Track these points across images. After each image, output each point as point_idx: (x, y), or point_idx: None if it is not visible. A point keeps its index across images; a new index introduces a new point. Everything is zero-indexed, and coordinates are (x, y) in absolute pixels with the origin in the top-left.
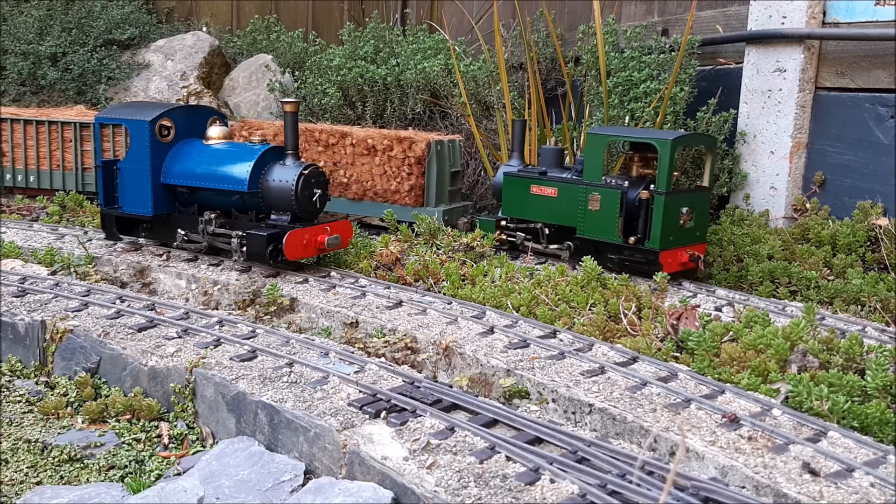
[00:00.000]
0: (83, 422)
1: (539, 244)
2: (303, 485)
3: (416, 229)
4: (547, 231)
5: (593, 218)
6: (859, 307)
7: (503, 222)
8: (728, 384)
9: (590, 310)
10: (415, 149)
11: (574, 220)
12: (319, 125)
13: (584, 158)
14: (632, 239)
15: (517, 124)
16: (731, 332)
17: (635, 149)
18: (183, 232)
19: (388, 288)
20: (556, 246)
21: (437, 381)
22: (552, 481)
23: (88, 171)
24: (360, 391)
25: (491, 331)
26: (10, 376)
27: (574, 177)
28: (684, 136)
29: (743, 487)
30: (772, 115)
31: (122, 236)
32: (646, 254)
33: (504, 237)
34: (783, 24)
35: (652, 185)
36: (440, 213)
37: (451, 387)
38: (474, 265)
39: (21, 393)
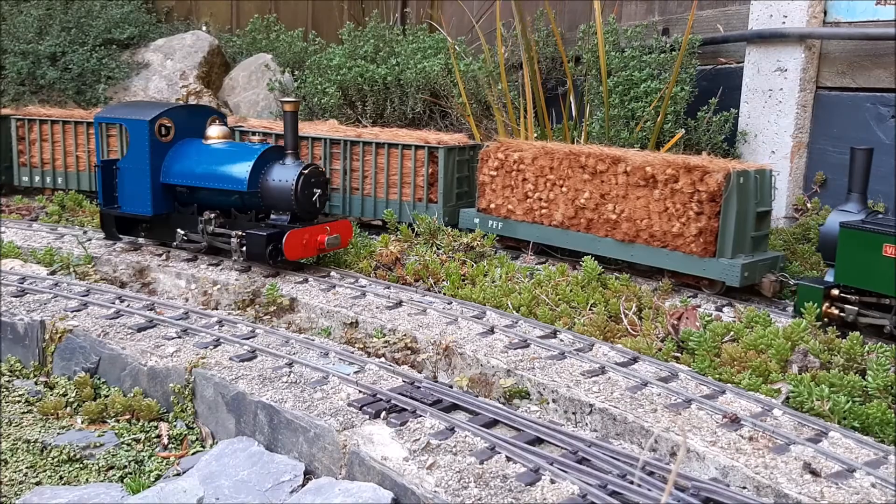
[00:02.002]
0: (82, 422)
1: (888, 322)
2: (302, 485)
3: (415, 229)
4: None
5: None
6: None
7: (834, 291)
8: (729, 384)
9: (590, 310)
10: (708, 181)
11: None
12: (586, 147)
13: None
14: None
15: (858, 154)
16: (731, 332)
17: None
18: (182, 232)
19: (388, 288)
20: None
21: (437, 382)
22: (552, 482)
23: None
24: (360, 391)
25: (491, 331)
26: (10, 376)
27: None
28: None
29: (744, 488)
30: (772, 114)
31: (121, 236)
32: None
33: (835, 311)
34: (784, 23)
35: None
36: (739, 268)
37: (451, 387)
38: (474, 265)
39: (20, 393)
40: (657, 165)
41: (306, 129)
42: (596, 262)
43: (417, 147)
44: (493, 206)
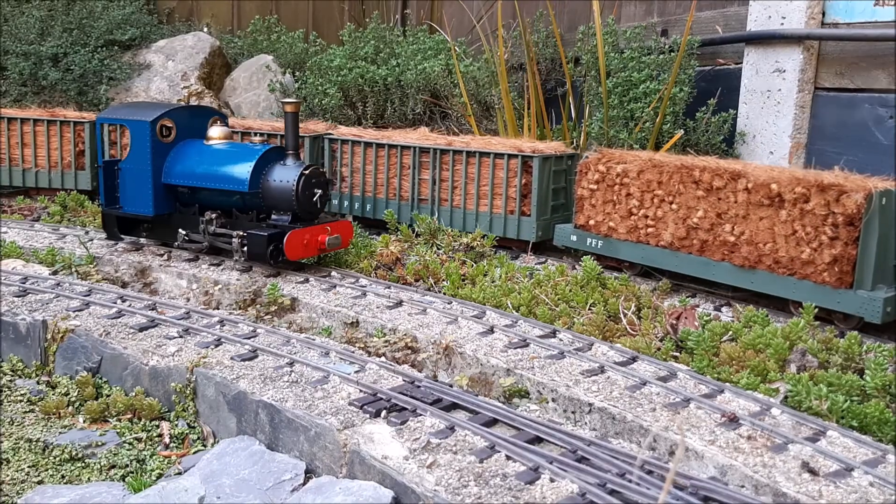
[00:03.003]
0: (84, 421)
1: None
2: (303, 484)
3: (415, 229)
4: None
5: None
6: None
7: None
8: (727, 384)
9: (589, 309)
10: (845, 202)
11: None
12: (700, 161)
13: None
14: None
15: None
16: (730, 332)
17: None
18: (184, 232)
19: (389, 288)
20: None
21: (437, 381)
22: (552, 480)
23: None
24: (361, 390)
25: (491, 330)
26: (12, 376)
27: None
28: None
29: (742, 487)
30: (771, 115)
31: (123, 236)
32: None
33: None
34: (782, 24)
35: None
36: (880, 302)
37: (451, 386)
38: (474, 265)
39: (22, 392)
40: (784, 183)
41: (395, 137)
42: (710, 289)
43: (510, 156)
44: (592, 222)
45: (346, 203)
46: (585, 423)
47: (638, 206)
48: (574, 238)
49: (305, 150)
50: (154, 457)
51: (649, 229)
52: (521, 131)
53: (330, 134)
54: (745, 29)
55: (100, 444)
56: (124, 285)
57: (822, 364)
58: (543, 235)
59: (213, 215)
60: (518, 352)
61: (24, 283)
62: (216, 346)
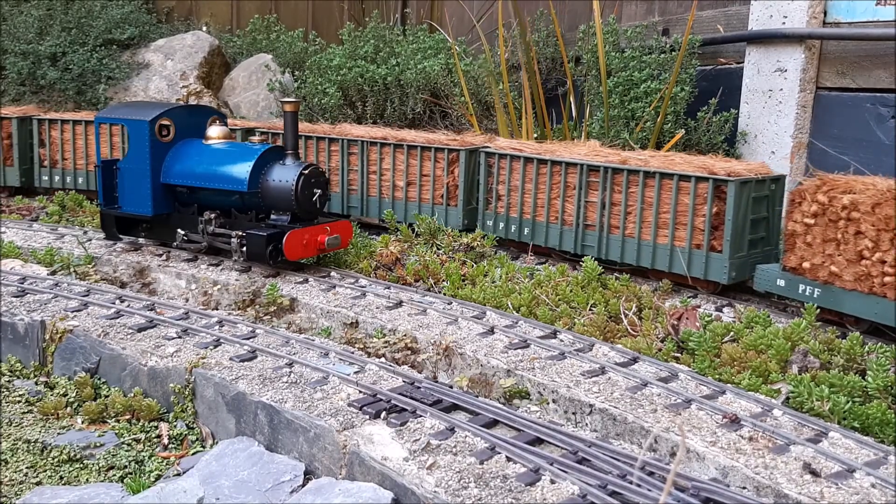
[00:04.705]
0: (83, 422)
1: None
2: (303, 485)
3: (415, 229)
4: None
5: None
6: None
7: None
8: (729, 385)
9: (590, 310)
10: None
11: None
12: None
13: None
14: None
15: None
16: (731, 333)
17: None
18: (183, 232)
19: (388, 288)
20: None
21: (437, 382)
22: (552, 482)
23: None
24: (360, 391)
25: (491, 331)
26: (10, 376)
27: None
28: None
29: (744, 488)
30: (773, 114)
31: (121, 236)
32: None
33: None
34: (784, 23)
35: None
36: None
37: (451, 387)
38: (474, 265)
39: (21, 393)
40: None
41: (560, 152)
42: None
43: (699, 179)
44: (807, 265)
45: (500, 225)
46: (586, 425)
47: (871, 247)
48: (782, 283)
49: (460, 164)
50: (153, 458)
51: (886, 279)
52: (521, 131)
53: (487, 147)
54: (747, 28)
55: (98, 444)
56: (123, 285)
57: (823, 365)
58: (738, 276)
59: (212, 215)
60: (518, 352)
61: (22, 283)
62: (215, 346)
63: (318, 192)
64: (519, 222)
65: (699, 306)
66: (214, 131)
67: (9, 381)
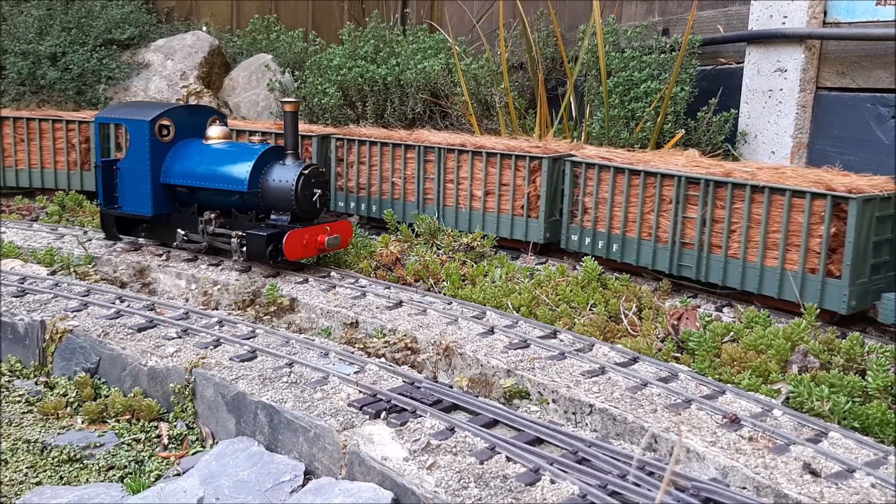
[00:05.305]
0: (83, 422)
1: None
2: (303, 485)
3: (416, 229)
4: None
5: None
6: None
7: None
8: (729, 385)
9: (590, 310)
10: None
11: None
12: None
13: None
14: None
15: None
16: (731, 333)
17: None
18: (183, 232)
19: (388, 288)
20: None
21: (437, 382)
22: (552, 482)
23: None
24: (360, 391)
25: (491, 331)
26: (10, 376)
27: None
28: None
29: (744, 488)
30: (773, 115)
31: (121, 236)
32: None
33: None
34: (784, 23)
35: None
36: None
37: (451, 387)
38: (474, 265)
39: (21, 393)
40: None
41: (654, 162)
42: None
43: (815, 195)
44: None
45: (586, 240)
46: (586, 425)
47: None
48: None
49: (542, 173)
50: (153, 458)
51: None
52: (521, 130)
53: (573, 156)
54: (747, 28)
55: (98, 444)
56: (123, 285)
57: (823, 365)
58: (858, 305)
59: (212, 215)
60: (518, 352)
61: (22, 283)
62: (215, 346)
63: (318, 192)
64: (607, 238)
65: (699, 306)
66: (214, 131)
67: (9, 381)
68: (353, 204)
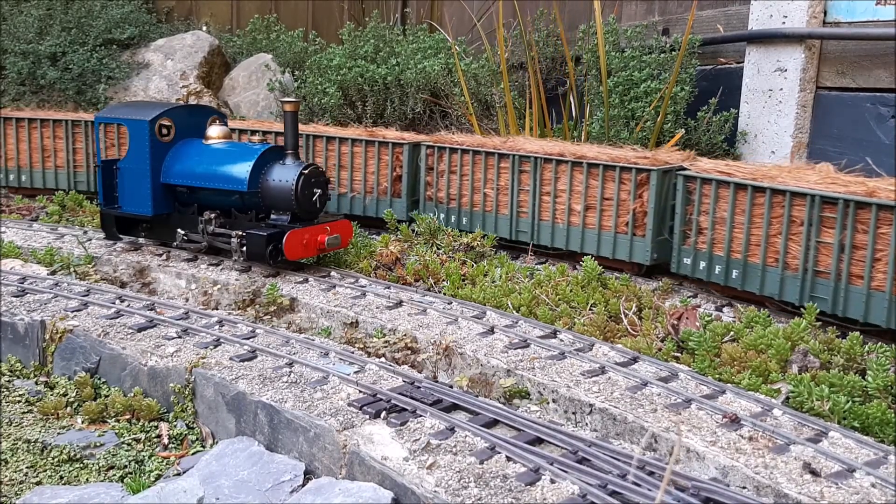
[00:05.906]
0: (83, 422)
1: None
2: (303, 485)
3: (415, 229)
4: None
5: None
6: None
7: None
8: (729, 384)
9: (590, 310)
10: None
11: None
12: None
13: None
14: None
15: None
16: (731, 333)
17: None
18: (182, 232)
19: (388, 288)
20: None
21: (437, 382)
22: (552, 481)
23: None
24: (360, 391)
25: (491, 331)
26: (10, 376)
27: None
28: None
29: (744, 488)
30: (773, 114)
31: (121, 236)
32: None
33: None
34: (784, 23)
35: None
36: None
37: (451, 387)
38: (474, 265)
39: (21, 393)
40: None
41: (782, 178)
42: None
43: None
44: None
45: (701, 264)
46: (586, 424)
47: None
48: None
49: (651, 187)
50: (153, 458)
51: None
52: (521, 130)
53: (685, 169)
54: (747, 28)
55: (98, 444)
56: (123, 285)
57: (823, 365)
58: None
59: (212, 215)
60: (518, 352)
61: (22, 283)
62: (215, 346)
63: (318, 191)
64: (725, 262)
65: (699, 306)
66: (214, 131)
67: (9, 381)
68: (442, 216)
